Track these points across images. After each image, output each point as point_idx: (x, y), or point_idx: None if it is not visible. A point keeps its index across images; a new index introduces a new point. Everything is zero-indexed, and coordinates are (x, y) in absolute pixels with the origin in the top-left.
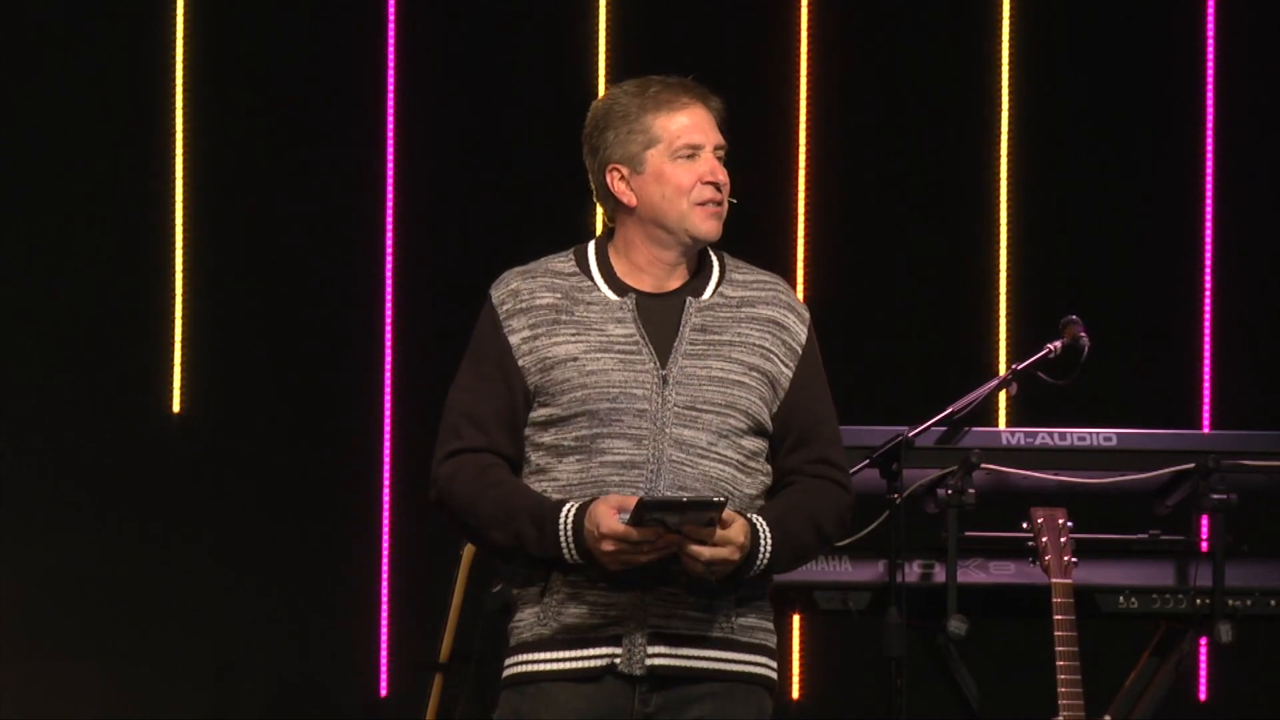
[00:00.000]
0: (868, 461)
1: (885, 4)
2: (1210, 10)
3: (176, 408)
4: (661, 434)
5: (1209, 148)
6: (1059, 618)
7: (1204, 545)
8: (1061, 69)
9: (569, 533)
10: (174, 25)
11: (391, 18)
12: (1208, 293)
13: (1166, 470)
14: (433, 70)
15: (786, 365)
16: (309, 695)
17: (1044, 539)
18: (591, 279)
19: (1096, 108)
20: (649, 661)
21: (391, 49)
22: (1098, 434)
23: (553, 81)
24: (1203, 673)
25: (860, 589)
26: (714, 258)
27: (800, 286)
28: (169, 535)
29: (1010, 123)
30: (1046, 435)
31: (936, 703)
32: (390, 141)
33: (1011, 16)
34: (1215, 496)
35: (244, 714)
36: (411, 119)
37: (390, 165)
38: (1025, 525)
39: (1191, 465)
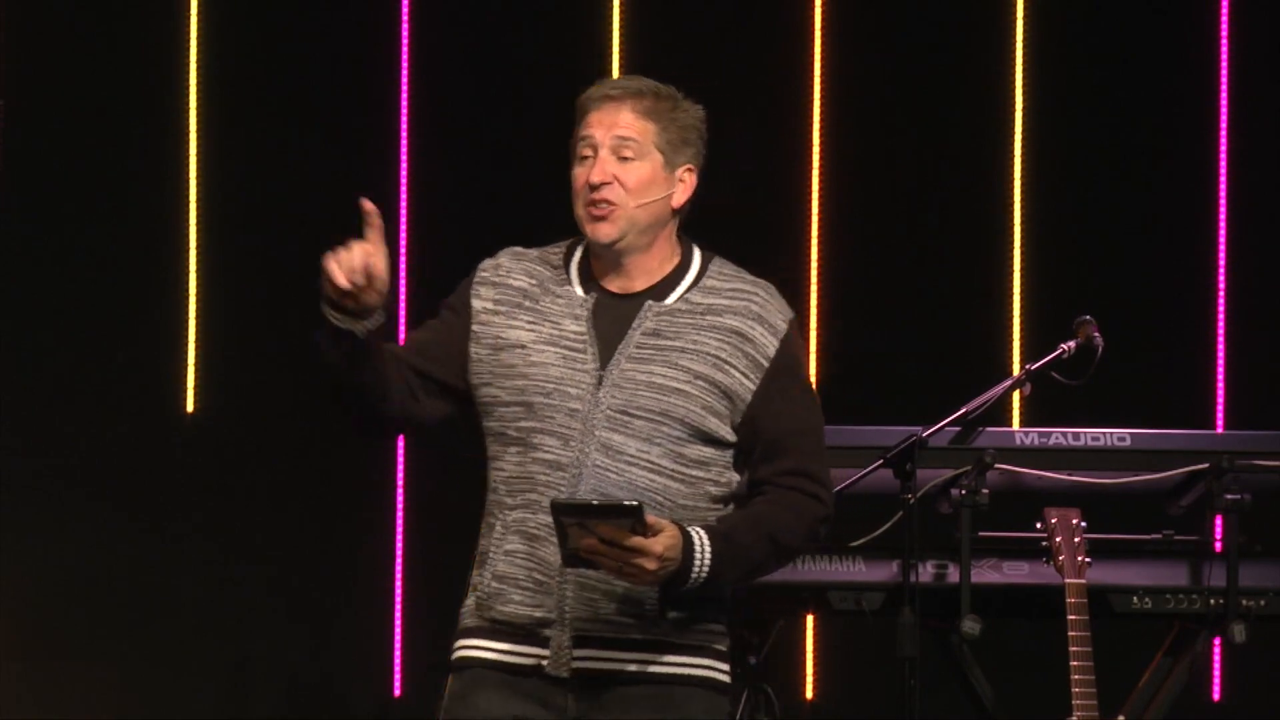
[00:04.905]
0: (881, 462)
1: (900, 2)
2: (1224, 9)
3: (190, 407)
4: (589, 436)
5: (1223, 147)
6: (1073, 618)
7: (1218, 545)
8: (1075, 67)
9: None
10: (188, 23)
11: (405, 15)
12: (1221, 292)
13: (1180, 470)
14: (446, 68)
15: (748, 377)
16: (322, 695)
17: (1058, 539)
18: (568, 273)
19: (1110, 107)
20: (575, 664)
21: (405, 47)
22: (1112, 434)
23: (566, 80)
24: (1216, 673)
25: (874, 589)
26: (698, 260)
27: (814, 286)
28: (182, 534)
29: (1024, 122)
30: (1060, 435)
31: (950, 703)
32: (403, 140)
33: (1025, 15)
34: (1229, 496)
35: (257, 714)
36: (424, 117)
37: (403, 163)
38: (1039, 525)
39: (1205, 465)
